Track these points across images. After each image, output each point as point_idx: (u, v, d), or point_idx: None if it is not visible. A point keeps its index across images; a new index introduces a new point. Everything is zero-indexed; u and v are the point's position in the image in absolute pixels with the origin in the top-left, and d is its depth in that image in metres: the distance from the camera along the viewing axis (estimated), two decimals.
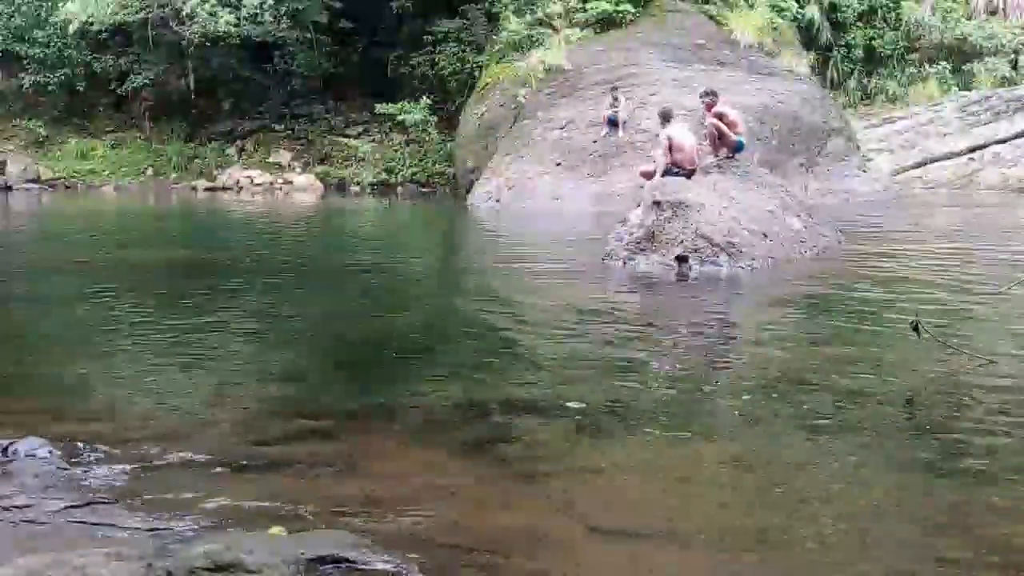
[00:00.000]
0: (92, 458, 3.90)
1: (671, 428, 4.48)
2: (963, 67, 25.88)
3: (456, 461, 4.05)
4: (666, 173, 10.38)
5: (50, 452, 3.85)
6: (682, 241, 9.30)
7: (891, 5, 26.33)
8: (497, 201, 17.43)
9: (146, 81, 24.88)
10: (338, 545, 2.95)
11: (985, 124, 22.24)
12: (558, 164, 17.51)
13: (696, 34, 20.36)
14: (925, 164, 21.72)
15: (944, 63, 25.70)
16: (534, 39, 20.31)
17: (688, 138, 10.73)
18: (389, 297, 8.66)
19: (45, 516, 3.26)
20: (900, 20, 26.40)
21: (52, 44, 24.80)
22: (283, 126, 26.08)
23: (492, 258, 11.61)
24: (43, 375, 5.59)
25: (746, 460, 4.06)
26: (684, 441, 4.33)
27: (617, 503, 3.65)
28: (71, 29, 23.92)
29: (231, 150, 25.83)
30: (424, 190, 23.63)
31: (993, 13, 27.94)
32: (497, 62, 20.83)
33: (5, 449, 3.85)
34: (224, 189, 23.96)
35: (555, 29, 20.43)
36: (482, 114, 20.10)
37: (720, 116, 11.00)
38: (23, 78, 25.14)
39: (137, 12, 23.93)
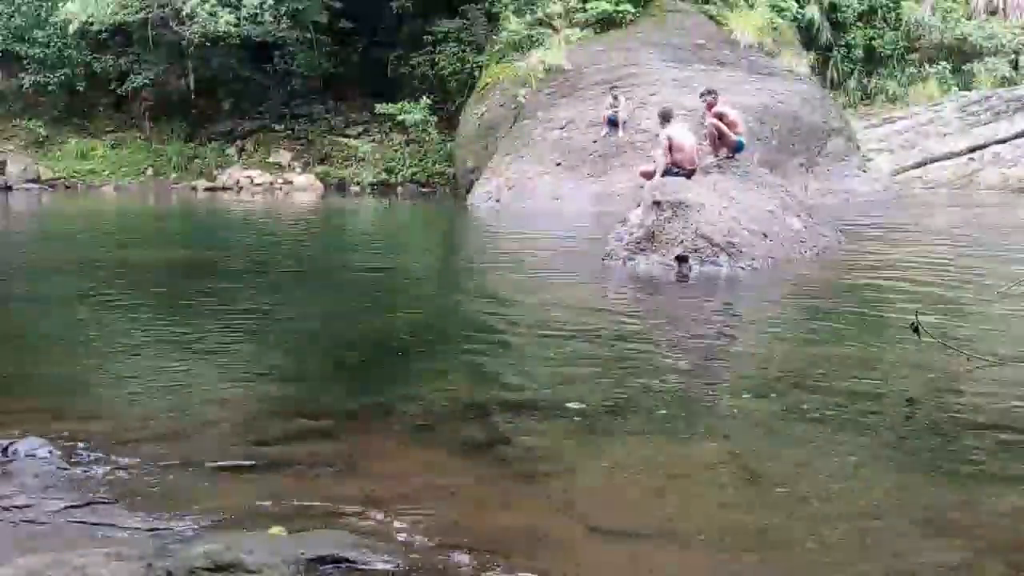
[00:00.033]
0: (92, 458, 3.90)
1: (671, 428, 4.48)
2: (963, 67, 25.88)
3: (456, 461, 4.05)
4: (666, 173, 10.38)
5: (50, 452, 3.85)
6: (682, 241, 9.30)
7: (891, 5, 26.33)
8: (497, 201, 17.43)
9: (146, 81, 24.88)
10: (338, 545, 2.95)
11: (985, 124, 22.24)
12: (558, 164, 17.51)
13: (696, 34, 20.37)
14: (925, 164, 21.72)
15: (944, 63, 25.70)
16: (534, 39, 20.31)
17: (688, 138, 10.73)
18: (389, 297, 8.66)
19: (45, 516, 3.26)
20: (900, 20, 26.40)
21: (52, 44, 24.80)
22: (283, 126, 26.09)
23: (492, 258, 11.62)
24: (43, 375, 5.59)
25: (746, 460, 4.06)
26: (684, 441, 4.33)
27: (617, 503, 3.65)
28: (71, 29, 23.92)
29: (231, 150, 25.83)
30: (424, 190, 23.64)
31: (993, 13, 27.94)
32: (497, 62, 20.83)
33: (5, 449, 3.85)
34: (224, 189, 23.96)
35: (555, 29, 20.44)
36: (482, 114, 20.10)
37: (720, 116, 11.01)
38: (23, 78, 25.14)
39: (137, 12, 23.93)
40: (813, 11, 24.50)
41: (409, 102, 23.24)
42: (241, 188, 24.07)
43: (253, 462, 3.93)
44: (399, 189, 23.83)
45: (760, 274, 9.18)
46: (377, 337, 6.75)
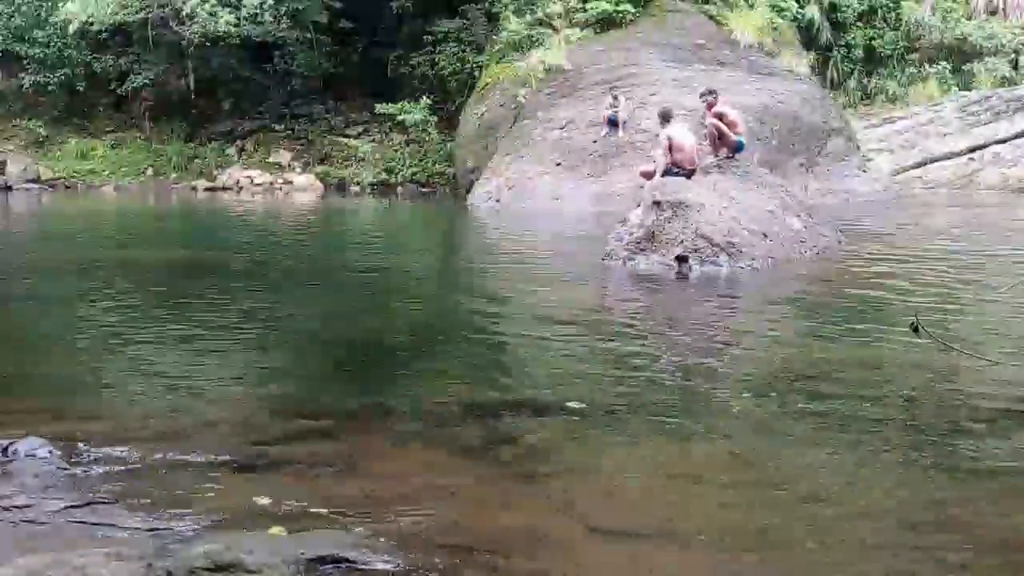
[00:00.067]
0: (92, 458, 3.90)
1: (671, 428, 4.48)
2: (963, 67, 25.87)
3: (456, 461, 4.05)
4: (666, 173, 10.38)
5: (50, 452, 3.85)
6: (682, 241, 9.30)
7: (891, 5, 26.32)
8: (497, 201, 17.43)
9: (146, 81, 24.87)
10: (338, 545, 2.95)
11: (985, 124, 22.24)
12: (558, 164, 17.51)
13: (696, 34, 20.36)
14: (925, 164, 21.72)
15: (944, 63, 25.69)
16: (534, 39, 20.30)
17: (688, 138, 10.73)
18: (389, 297, 8.67)
19: (45, 516, 3.26)
20: (900, 20, 26.39)
21: (52, 44, 24.79)
22: (283, 126, 26.07)
23: (492, 258, 11.62)
24: (43, 375, 5.59)
25: (746, 460, 4.06)
26: (684, 441, 4.33)
27: (617, 503, 3.65)
28: (71, 29, 23.91)
29: (231, 150, 25.82)
30: (424, 190, 23.63)
31: (993, 13, 27.93)
32: (497, 62, 20.83)
33: (5, 449, 3.85)
34: (224, 189, 23.95)
35: (555, 29, 20.43)
36: (482, 114, 20.10)
37: (720, 116, 11.00)
38: (23, 78, 25.12)
39: (137, 12, 23.92)
40: (813, 11, 24.49)
41: (409, 102, 23.23)
42: (241, 188, 24.07)
43: (253, 462, 3.93)
44: (399, 189, 23.83)
45: (760, 274, 9.18)
46: (377, 337, 6.75)
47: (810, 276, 9.48)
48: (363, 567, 2.86)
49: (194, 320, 7.15)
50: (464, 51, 23.45)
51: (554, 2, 20.77)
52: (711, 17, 21.13)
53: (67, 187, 24.17)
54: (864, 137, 21.00)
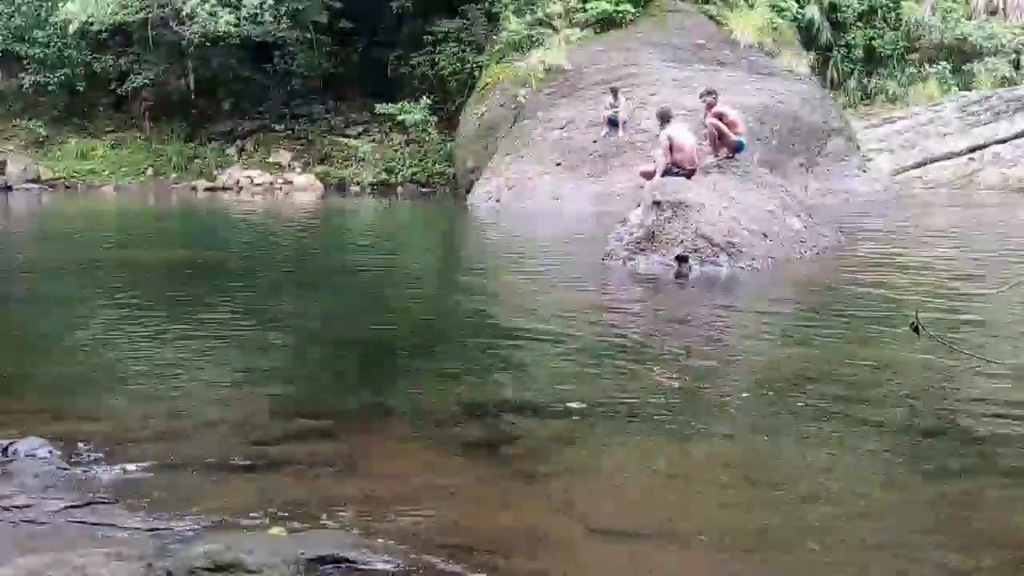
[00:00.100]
0: (92, 458, 3.90)
1: (671, 428, 4.48)
2: (963, 67, 25.87)
3: (456, 461, 4.05)
4: (666, 173, 10.39)
5: (50, 452, 3.85)
6: (682, 241, 9.30)
7: (891, 5, 26.32)
8: (497, 201, 17.43)
9: (146, 81, 24.88)
10: (338, 545, 2.95)
11: (985, 124, 22.24)
12: (558, 164, 17.51)
13: (696, 34, 20.36)
14: (925, 164, 21.72)
15: (944, 63, 25.69)
16: (534, 39, 20.31)
17: (688, 138, 10.73)
18: (389, 297, 8.67)
19: (45, 516, 3.26)
20: (900, 20, 26.39)
21: (52, 44, 24.80)
22: (283, 126, 26.08)
23: (492, 258, 11.62)
24: (43, 375, 5.59)
25: (746, 460, 4.06)
26: (684, 441, 4.32)
27: (617, 503, 3.65)
28: (71, 29, 23.92)
29: (231, 150, 25.83)
30: (424, 190, 23.64)
31: (993, 13, 27.93)
32: (497, 62, 20.83)
33: (5, 449, 3.85)
34: (224, 189, 23.96)
35: (555, 29, 20.43)
36: (482, 114, 20.10)
37: (720, 116, 11.01)
38: (23, 78, 25.14)
39: (137, 12, 23.93)
40: (813, 11, 24.49)
41: (409, 102, 23.24)
42: (241, 188, 24.07)
43: (253, 462, 3.93)
44: (399, 189, 23.83)
45: (760, 274, 9.18)
46: (377, 337, 6.75)
47: (810, 276, 9.48)
48: (363, 567, 2.86)
49: (194, 320, 7.15)
50: (464, 51, 23.45)
51: (554, 2, 20.77)
52: (711, 17, 21.13)
53: (67, 187, 24.18)
54: (864, 137, 21.01)
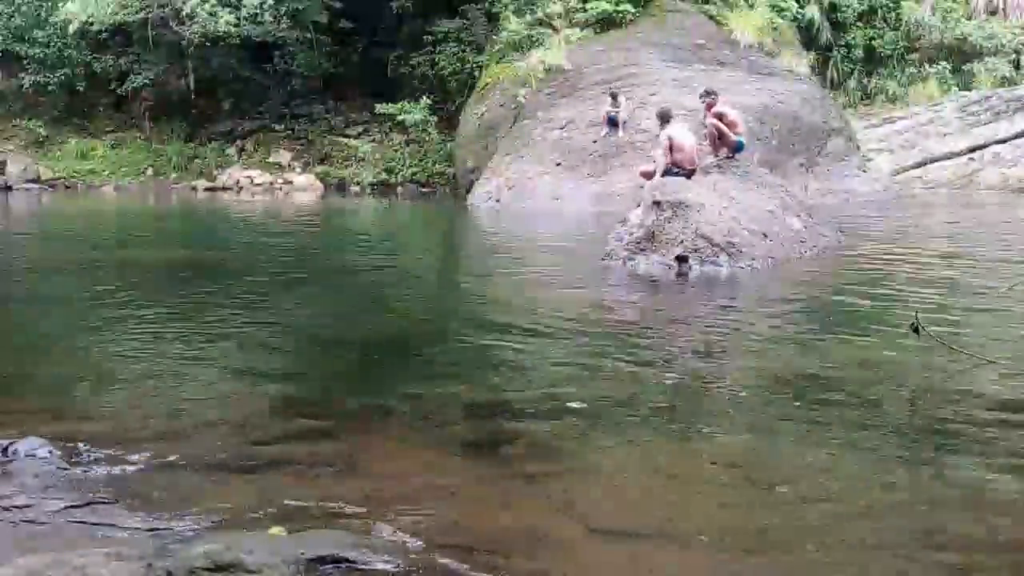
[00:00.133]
0: (92, 458, 3.90)
1: (671, 428, 4.49)
2: (963, 67, 25.86)
3: (456, 461, 4.06)
4: (666, 173, 10.39)
5: (50, 452, 3.85)
6: (682, 241, 9.30)
7: (891, 5, 26.32)
8: (497, 201, 17.43)
9: (146, 81, 24.87)
10: (338, 545, 2.95)
11: (985, 124, 22.24)
12: (558, 164, 17.51)
13: (696, 34, 20.36)
14: (925, 164, 21.72)
15: (944, 63, 25.69)
16: (534, 39, 20.31)
17: (688, 138, 10.73)
18: (389, 297, 8.66)
19: (45, 516, 3.26)
20: (900, 20, 26.39)
21: (52, 44, 24.80)
22: (283, 126, 26.08)
23: (492, 258, 11.62)
24: (43, 375, 5.59)
25: (746, 460, 4.06)
26: (684, 441, 4.33)
27: (617, 503, 3.65)
28: (71, 29, 23.92)
29: (231, 150, 25.83)
30: (424, 190, 23.63)
31: (993, 13, 27.92)
32: (497, 62, 20.83)
33: (5, 449, 3.85)
34: (224, 189, 23.96)
35: (555, 29, 20.43)
36: (482, 114, 20.10)
37: (720, 116, 11.00)
38: (23, 78, 25.13)
39: (137, 12, 23.93)
40: (813, 11, 24.49)
41: (409, 102, 23.23)
42: (241, 188, 24.08)
43: (253, 462, 3.93)
44: (399, 189, 23.83)
45: (760, 274, 9.18)
46: (377, 337, 6.75)
47: (810, 276, 9.48)
48: (363, 567, 2.86)
49: (194, 320, 7.15)
50: (464, 51, 23.45)
51: (554, 2, 20.77)
52: (711, 17, 21.13)
53: (67, 187, 24.18)
54: (864, 137, 21.01)
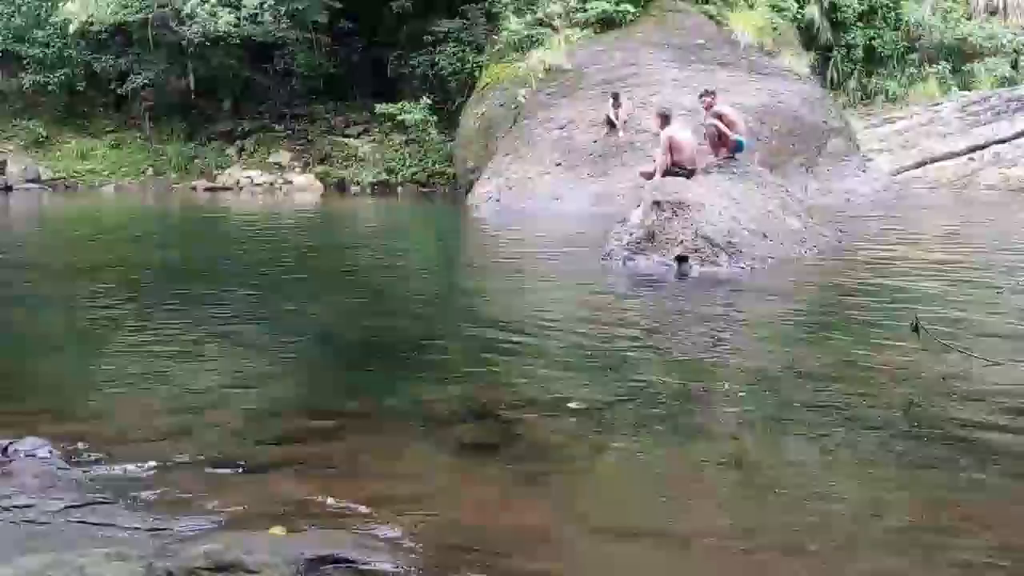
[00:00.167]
0: (92, 458, 3.90)
1: (671, 428, 4.48)
2: (963, 67, 25.85)
3: (456, 461, 4.06)
4: (666, 173, 10.38)
5: (50, 452, 3.86)
6: (682, 241, 9.30)
7: (891, 5, 26.30)
8: (497, 201, 17.42)
9: (146, 81, 24.88)
10: (338, 545, 2.95)
11: (985, 124, 22.22)
12: (558, 164, 17.50)
13: (696, 34, 20.35)
14: (925, 164, 21.70)
15: (944, 63, 25.67)
16: (534, 39, 20.29)
17: (688, 138, 10.73)
18: (389, 297, 8.66)
19: (45, 516, 3.26)
20: (900, 20, 26.37)
21: (52, 44, 24.80)
22: (283, 126, 26.08)
23: (492, 258, 11.62)
24: (43, 375, 5.59)
25: (746, 460, 4.06)
26: (684, 441, 4.32)
27: (617, 503, 3.65)
28: (71, 29, 23.93)
29: (231, 150, 25.83)
30: (424, 190, 23.63)
31: (993, 13, 27.91)
32: (497, 62, 20.82)
33: (5, 449, 3.85)
34: (224, 189, 23.97)
35: (555, 29, 20.42)
36: (482, 114, 20.09)
37: (719, 115, 10.99)
38: (23, 78, 25.14)
39: (137, 12, 23.94)
40: (813, 11, 24.47)
41: (409, 102, 23.24)
42: (241, 188, 24.08)
43: (253, 462, 3.93)
44: (399, 189, 23.83)
45: (760, 274, 9.18)
46: (377, 337, 6.75)
47: (810, 276, 9.48)
48: (363, 567, 2.86)
49: (194, 320, 7.15)
50: (464, 51, 23.45)
51: (554, 2, 20.76)
52: (711, 17, 21.11)
53: (67, 187, 24.19)
54: (864, 137, 20.99)
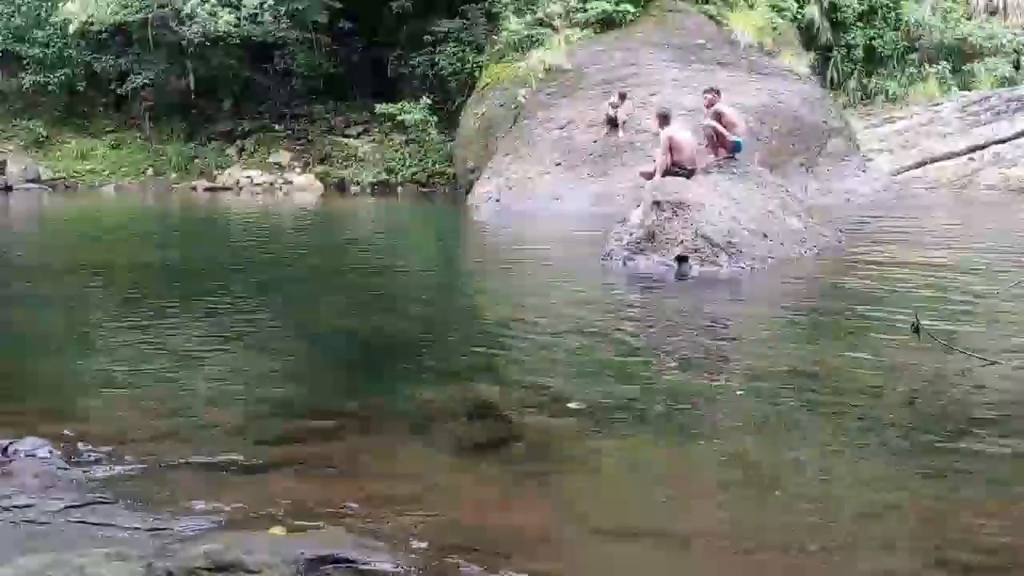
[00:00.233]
0: (92, 458, 3.90)
1: (671, 428, 4.48)
2: (963, 67, 25.84)
3: (456, 461, 4.06)
4: (666, 173, 10.38)
5: (50, 452, 3.86)
6: (682, 241, 9.30)
7: (891, 5, 26.29)
8: (497, 201, 17.42)
9: (146, 81, 24.87)
10: (338, 545, 2.95)
11: (985, 124, 22.21)
12: (558, 164, 17.50)
13: (696, 34, 20.35)
14: (925, 164, 21.69)
15: (944, 63, 25.66)
16: (534, 39, 20.29)
17: (688, 138, 10.72)
18: (389, 297, 8.66)
19: (45, 516, 3.26)
20: (900, 20, 26.36)
21: (52, 44, 24.80)
22: (283, 126, 26.08)
23: (492, 258, 11.62)
24: (43, 375, 5.59)
25: (746, 460, 4.06)
26: (684, 441, 4.32)
27: (617, 503, 3.65)
28: (71, 29, 23.93)
29: (231, 150, 25.83)
30: (424, 190, 23.63)
31: (993, 13, 27.90)
32: (497, 62, 20.82)
33: (5, 449, 3.85)
34: (224, 189, 23.97)
35: (555, 29, 20.42)
36: (482, 114, 20.09)
37: (718, 115, 10.98)
38: (23, 78, 25.14)
39: (137, 12, 23.94)
40: (813, 11, 24.47)
41: (409, 102, 23.23)
42: (241, 188, 24.08)
43: (253, 462, 3.93)
44: (399, 189, 23.83)
45: (760, 274, 9.18)
46: (378, 337, 6.74)
47: (810, 276, 9.48)
48: (363, 567, 2.86)
49: (194, 320, 7.15)
50: (464, 51, 23.45)
51: (554, 2, 20.75)
52: (711, 17, 21.11)
53: (67, 187, 24.20)
54: (864, 137, 20.99)
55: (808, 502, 3.60)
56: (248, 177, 24.47)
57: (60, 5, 24.24)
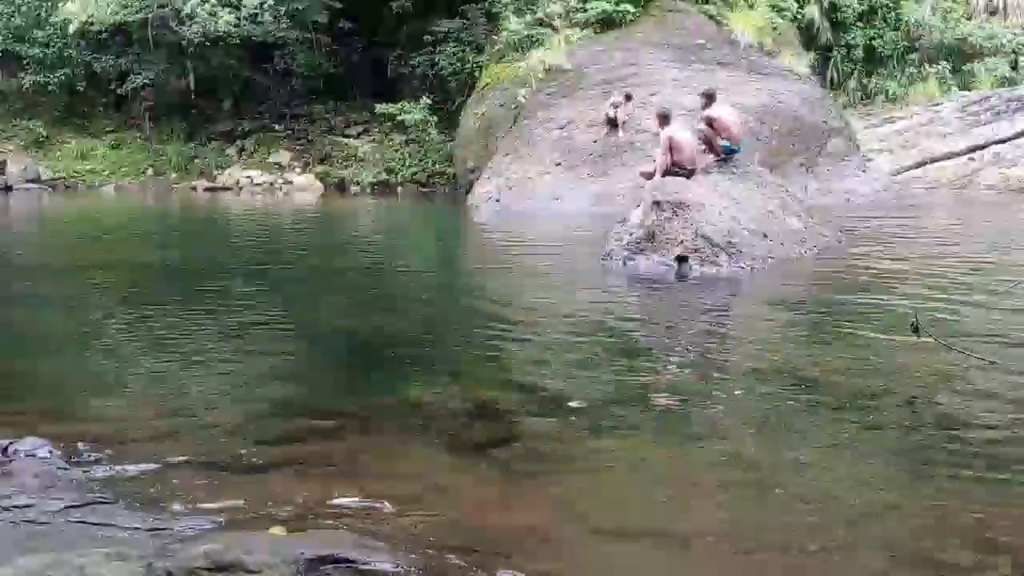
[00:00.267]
0: (92, 458, 3.90)
1: (671, 428, 4.49)
2: (963, 67, 25.84)
3: (456, 461, 4.06)
4: (666, 173, 10.38)
5: (50, 452, 3.86)
6: (682, 241, 9.30)
7: (891, 5, 26.29)
8: (497, 201, 17.42)
9: (146, 81, 24.87)
10: (338, 545, 2.95)
11: (985, 124, 22.21)
12: (558, 164, 17.50)
13: (696, 34, 20.35)
14: (925, 164, 21.69)
15: (944, 63, 25.66)
16: (534, 39, 20.29)
17: (688, 138, 10.72)
18: (389, 297, 8.66)
19: (45, 516, 3.26)
20: (900, 20, 26.36)
21: (52, 44, 24.80)
22: (283, 126, 26.08)
23: (492, 258, 11.62)
24: (43, 375, 5.59)
25: (746, 460, 4.06)
26: (684, 441, 4.33)
27: (617, 503, 3.65)
28: (71, 29, 23.92)
29: (231, 150, 25.83)
30: (424, 190, 23.63)
31: (993, 13, 27.90)
32: (497, 62, 20.82)
33: (5, 449, 3.85)
34: (224, 189, 23.97)
35: (555, 29, 20.42)
36: (482, 114, 20.09)
37: (710, 121, 10.93)
38: (23, 78, 25.13)
39: (137, 12, 23.93)
40: (813, 11, 24.47)
41: (409, 102, 23.23)
42: (241, 188, 24.08)
43: (253, 462, 3.93)
44: (399, 189, 23.83)
45: (760, 274, 9.18)
46: (377, 337, 6.75)
47: (810, 276, 9.48)
48: (363, 567, 2.86)
49: (194, 320, 7.15)
50: (464, 51, 23.44)
51: (554, 2, 20.75)
52: (711, 17, 21.11)
53: (67, 187, 24.19)
54: (864, 137, 20.99)
55: (808, 502, 3.60)
56: (248, 177, 24.46)
57: (60, 5, 24.24)
